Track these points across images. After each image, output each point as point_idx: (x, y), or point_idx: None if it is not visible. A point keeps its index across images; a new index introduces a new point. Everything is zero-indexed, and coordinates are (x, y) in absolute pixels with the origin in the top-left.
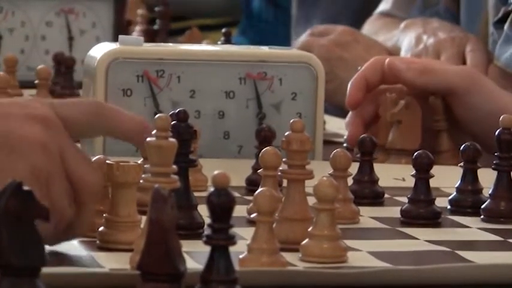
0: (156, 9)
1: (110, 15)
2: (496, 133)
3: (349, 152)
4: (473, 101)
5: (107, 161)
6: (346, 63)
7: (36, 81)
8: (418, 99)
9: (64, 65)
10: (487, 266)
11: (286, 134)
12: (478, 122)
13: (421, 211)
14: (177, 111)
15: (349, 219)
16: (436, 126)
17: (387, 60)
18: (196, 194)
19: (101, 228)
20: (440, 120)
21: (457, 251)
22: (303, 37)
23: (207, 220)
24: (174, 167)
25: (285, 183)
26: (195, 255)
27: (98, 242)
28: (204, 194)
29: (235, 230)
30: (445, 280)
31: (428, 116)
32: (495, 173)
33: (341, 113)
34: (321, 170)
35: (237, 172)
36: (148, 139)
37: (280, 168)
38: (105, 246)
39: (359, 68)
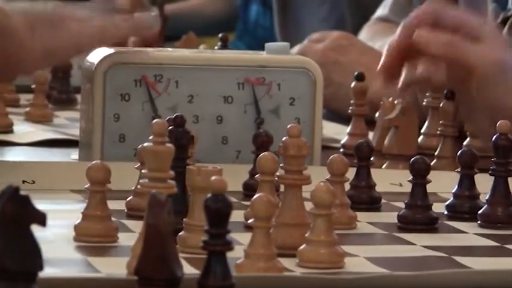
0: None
1: None
2: (493, 139)
3: (347, 157)
4: (496, 80)
5: (188, 166)
6: (342, 67)
7: (33, 86)
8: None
9: (61, 70)
10: (484, 272)
11: (283, 139)
12: (499, 98)
13: (418, 216)
14: (173, 116)
15: (346, 225)
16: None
17: (416, 32)
18: None
19: (181, 233)
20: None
21: (454, 257)
22: (299, 44)
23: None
24: (171, 172)
25: (282, 188)
26: (192, 261)
27: (178, 247)
28: None
29: (232, 235)
30: (442, 286)
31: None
32: (492, 178)
33: (338, 118)
34: (318, 175)
35: (234, 177)
36: (145, 144)
37: (277, 174)
38: (186, 251)
39: (355, 73)
